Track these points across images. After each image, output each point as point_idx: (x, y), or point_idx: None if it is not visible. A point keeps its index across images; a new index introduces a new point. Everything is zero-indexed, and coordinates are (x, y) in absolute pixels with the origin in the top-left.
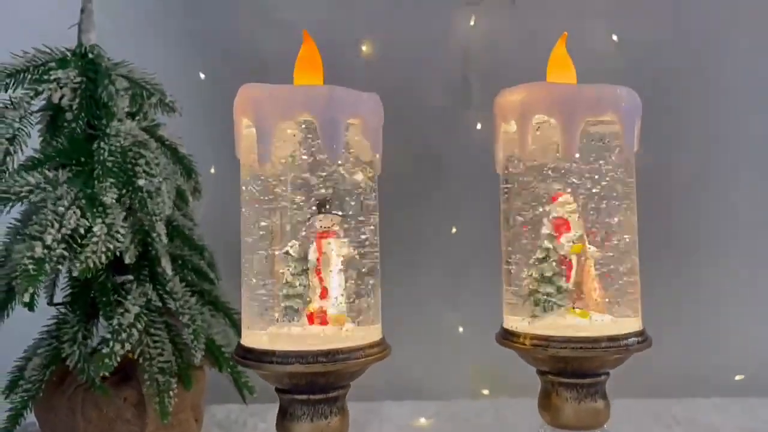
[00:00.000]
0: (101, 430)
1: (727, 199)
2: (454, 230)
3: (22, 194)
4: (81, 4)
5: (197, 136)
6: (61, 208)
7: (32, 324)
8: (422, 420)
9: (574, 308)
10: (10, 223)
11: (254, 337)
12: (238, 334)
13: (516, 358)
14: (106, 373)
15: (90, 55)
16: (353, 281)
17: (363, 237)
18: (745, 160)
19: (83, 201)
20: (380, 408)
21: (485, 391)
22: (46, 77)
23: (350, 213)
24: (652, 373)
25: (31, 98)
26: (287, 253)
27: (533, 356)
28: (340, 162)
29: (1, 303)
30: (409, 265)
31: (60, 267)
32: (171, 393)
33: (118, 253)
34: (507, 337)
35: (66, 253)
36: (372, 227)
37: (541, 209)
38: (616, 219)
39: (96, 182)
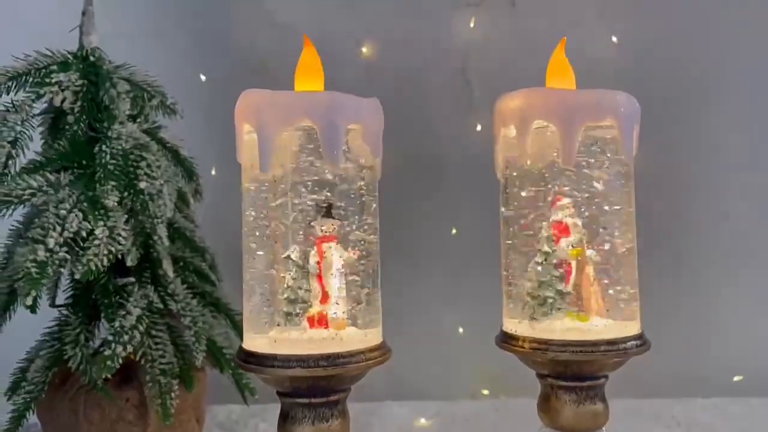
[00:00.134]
0: (103, 431)
1: (726, 200)
2: (454, 231)
3: (24, 197)
4: (82, 7)
5: (198, 138)
6: (63, 211)
7: (34, 326)
8: (423, 420)
9: (573, 312)
10: (12, 226)
11: (256, 341)
12: (240, 335)
13: (516, 358)
14: (108, 375)
15: (91, 58)
16: (354, 285)
17: (363, 241)
18: (745, 160)
19: (85, 204)
20: (381, 408)
21: (485, 392)
22: (47, 80)
23: (350, 217)
24: (652, 374)
25: (33, 101)
26: (288, 257)
27: (533, 360)
28: (340, 167)
29: (3, 305)
30: (409, 266)
31: (62, 270)
32: (173, 394)
33: (119, 256)
34: (506, 340)
35: (68, 256)
36: (372, 231)
37: (540, 213)
38: (615, 223)
39: (98, 185)
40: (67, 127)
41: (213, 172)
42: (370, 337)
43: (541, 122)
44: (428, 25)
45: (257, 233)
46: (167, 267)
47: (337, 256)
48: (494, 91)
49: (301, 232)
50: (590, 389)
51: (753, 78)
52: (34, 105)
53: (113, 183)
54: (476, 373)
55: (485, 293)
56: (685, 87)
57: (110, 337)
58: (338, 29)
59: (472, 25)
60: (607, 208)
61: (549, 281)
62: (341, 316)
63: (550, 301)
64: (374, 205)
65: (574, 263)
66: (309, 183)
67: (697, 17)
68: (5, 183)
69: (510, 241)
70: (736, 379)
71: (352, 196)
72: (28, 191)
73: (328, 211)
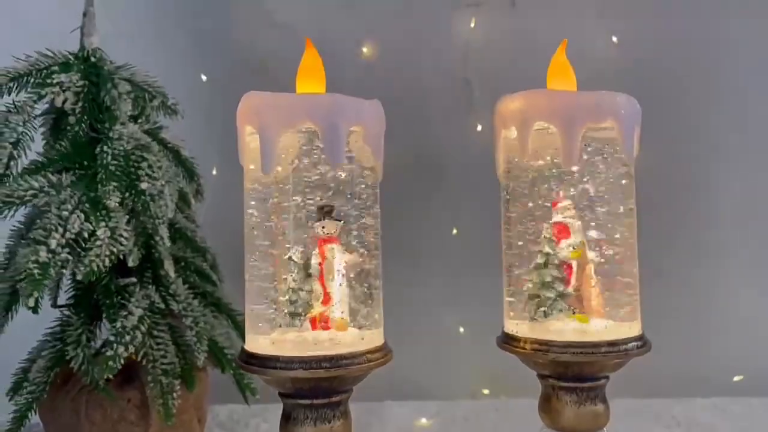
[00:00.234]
0: (105, 431)
1: (726, 200)
2: (455, 231)
3: (26, 198)
4: (83, 8)
5: (199, 139)
6: (65, 212)
7: (36, 326)
8: (423, 420)
9: (574, 313)
10: (14, 227)
11: (258, 342)
12: (241, 335)
13: (516, 358)
14: (110, 375)
15: (92, 59)
16: (355, 286)
17: (365, 242)
18: (745, 160)
19: (87, 205)
20: (381, 408)
21: (486, 391)
22: (48, 81)
23: (352, 218)
24: (652, 374)
25: (34, 102)
26: (290, 258)
27: (533, 361)
28: (342, 168)
29: (5, 306)
30: (410, 267)
31: (64, 270)
32: (174, 394)
33: (121, 256)
34: (507, 341)
35: (70, 257)
36: (374, 232)
37: (541, 214)
38: (615, 224)
39: (99, 186)
40: (68, 127)
41: (214, 172)
42: (372, 338)
43: (541, 123)
44: (428, 26)
45: (259, 234)
46: (169, 267)
47: (338, 258)
48: (494, 91)
49: (303, 234)
50: (591, 390)
51: (753, 78)
52: (35, 106)
53: (115, 184)
54: (477, 373)
55: (486, 293)
56: (685, 87)
57: (112, 338)
58: (338, 29)
59: (472, 25)
60: (607, 209)
61: (550, 282)
62: (343, 317)
63: (551, 302)
64: (375, 207)
65: (574, 264)
66: (310, 184)
67: (697, 17)
68: (7, 184)
69: (511, 242)
70: (736, 379)
71: (354, 197)
72: (30, 192)
73: (329, 213)
